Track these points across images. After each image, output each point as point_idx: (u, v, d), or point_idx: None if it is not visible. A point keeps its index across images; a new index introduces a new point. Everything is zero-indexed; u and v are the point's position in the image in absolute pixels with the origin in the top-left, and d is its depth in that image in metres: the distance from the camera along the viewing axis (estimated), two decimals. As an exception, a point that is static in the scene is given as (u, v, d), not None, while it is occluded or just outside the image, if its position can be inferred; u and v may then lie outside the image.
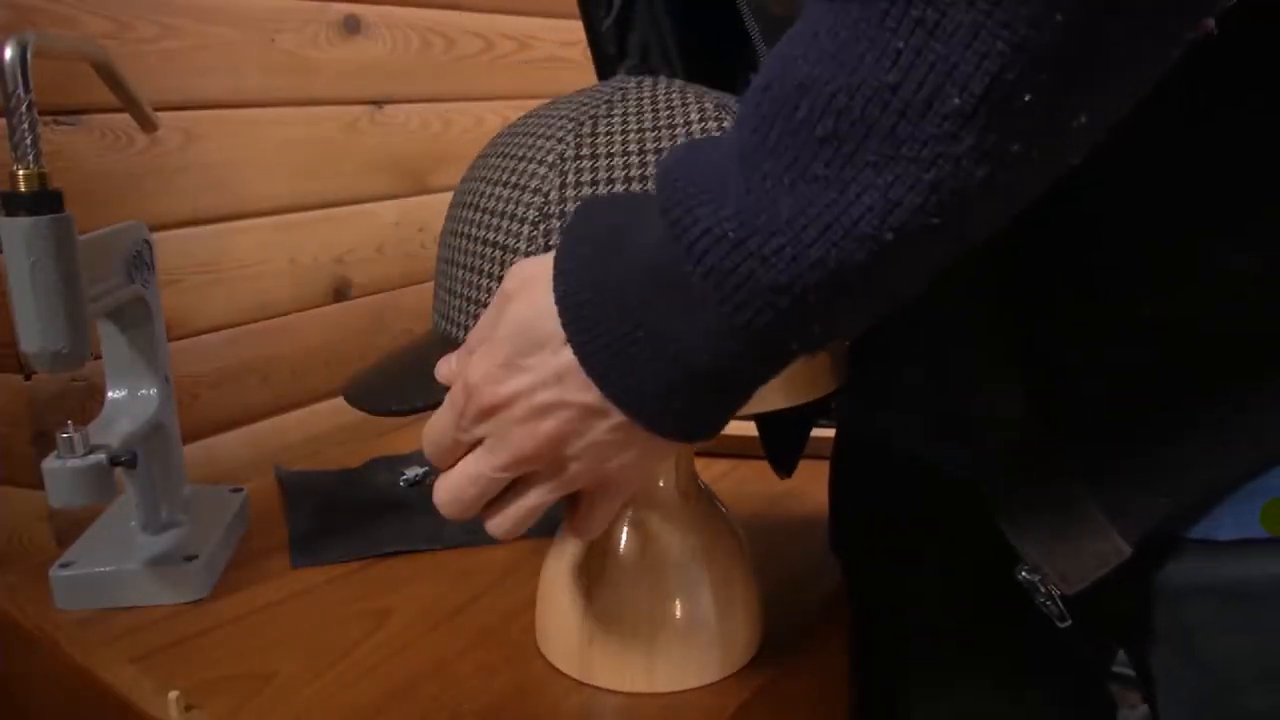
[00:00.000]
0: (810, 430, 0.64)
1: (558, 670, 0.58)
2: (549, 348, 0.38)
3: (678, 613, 0.55)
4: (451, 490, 0.42)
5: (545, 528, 0.69)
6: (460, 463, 0.42)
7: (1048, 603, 0.47)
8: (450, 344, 0.49)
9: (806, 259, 0.31)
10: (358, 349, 1.02)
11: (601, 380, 0.37)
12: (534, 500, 0.42)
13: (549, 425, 0.39)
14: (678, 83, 0.49)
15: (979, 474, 0.48)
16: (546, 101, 0.50)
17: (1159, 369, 0.43)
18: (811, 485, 0.85)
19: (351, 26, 0.97)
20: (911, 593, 0.63)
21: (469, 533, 0.75)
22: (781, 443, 0.65)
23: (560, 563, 0.58)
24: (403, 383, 0.49)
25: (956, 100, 0.28)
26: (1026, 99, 0.28)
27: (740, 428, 0.91)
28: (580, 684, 0.56)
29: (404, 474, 0.85)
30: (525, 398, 0.39)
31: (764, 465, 0.89)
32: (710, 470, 0.86)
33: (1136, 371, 0.43)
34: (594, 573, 0.55)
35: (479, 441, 0.41)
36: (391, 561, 0.71)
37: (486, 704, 0.55)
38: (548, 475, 0.41)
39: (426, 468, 0.87)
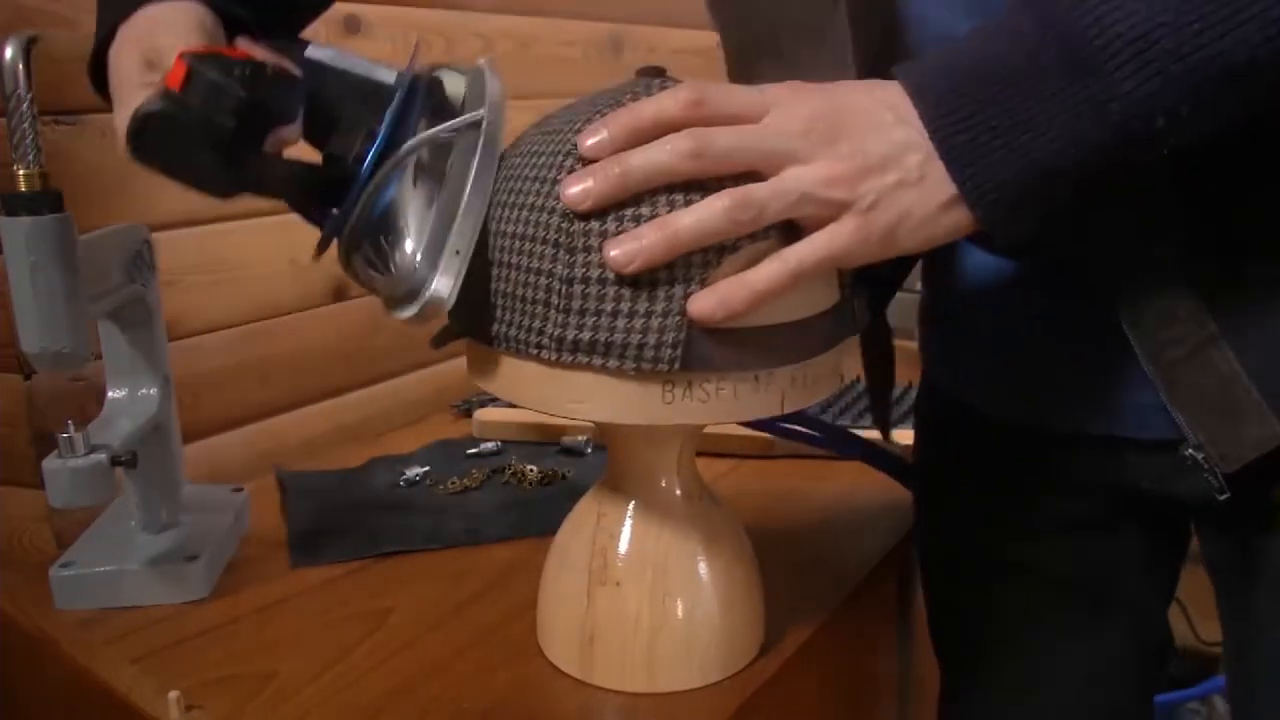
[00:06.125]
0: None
1: (558, 670, 0.57)
2: (900, 127, 0.42)
3: (678, 613, 0.55)
4: (755, 198, 0.42)
5: (545, 528, 0.69)
6: (776, 177, 0.42)
7: (1209, 477, 0.50)
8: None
9: (1209, 35, 0.37)
10: (357, 349, 1.01)
11: (941, 138, 0.41)
12: (814, 246, 0.43)
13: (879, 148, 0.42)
14: None
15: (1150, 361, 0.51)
16: (570, 102, 0.50)
17: None
18: (813, 485, 0.86)
19: (351, 26, 0.96)
20: (983, 536, 0.67)
21: (469, 533, 0.75)
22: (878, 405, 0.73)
23: (560, 563, 0.58)
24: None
25: None
26: None
27: (740, 428, 0.91)
28: (580, 684, 0.56)
29: (404, 474, 0.85)
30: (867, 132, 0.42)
31: (764, 465, 0.90)
32: (711, 470, 0.86)
33: None
34: (594, 573, 0.55)
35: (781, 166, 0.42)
36: (391, 561, 0.71)
37: (486, 704, 0.55)
38: (837, 209, 0.42)
39: (426, 467, 0.87)
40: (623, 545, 0.55)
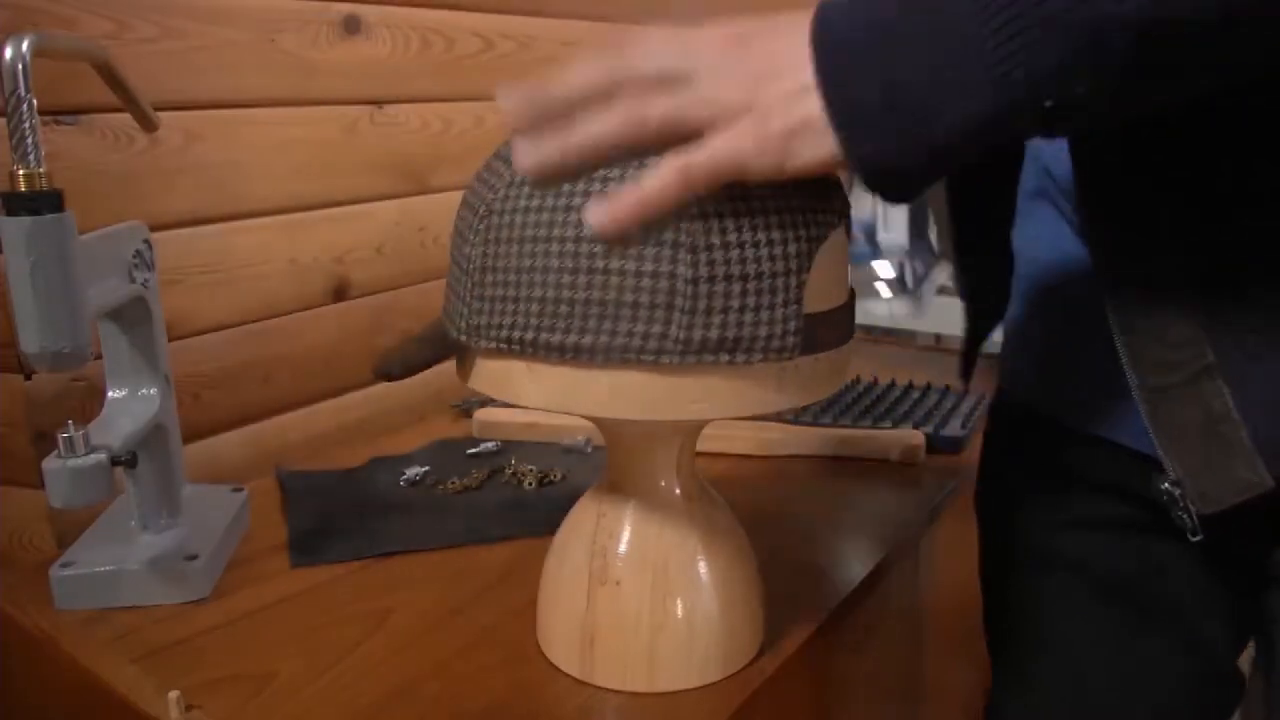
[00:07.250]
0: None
1: (558, 670, 0.58)
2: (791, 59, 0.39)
3: (678, 613, 0.55)
4: (626, 116, 0.41)
5: (545, 528, 0.69)
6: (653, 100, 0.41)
7: (1183, 515, 0.49)
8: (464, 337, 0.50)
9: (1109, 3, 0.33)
10: (358, 349, 1.02)
11: (828, 81, 0.38)
12: (705, 154, 0.40)
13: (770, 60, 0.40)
14: None
15: (1141, 388, 0.49)
16: None
17: None
18: (813, 485, 0.86)
19: (351, 26, 0.96)
20: (1045, 547, 0.66)
21: (469, 533, 0.75)
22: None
23: (560, 563, 0.58)
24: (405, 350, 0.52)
25: None
26: None
27: (740, 428, 0.91)
28: (580, 684, 0.56)
29: (404, 474, 0.85)
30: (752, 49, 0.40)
31: (764, 465, 0.90)
32: (711, 470, 0.86)
33: None
34: (594, 573, 0.55)
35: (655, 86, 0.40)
36: (391, 561, 0.71)
37: (486, 704, 0.55)
38: (728, 121, 0.40)
39: (427, 467, 0.87)
40: (623, 545, 0.55)
